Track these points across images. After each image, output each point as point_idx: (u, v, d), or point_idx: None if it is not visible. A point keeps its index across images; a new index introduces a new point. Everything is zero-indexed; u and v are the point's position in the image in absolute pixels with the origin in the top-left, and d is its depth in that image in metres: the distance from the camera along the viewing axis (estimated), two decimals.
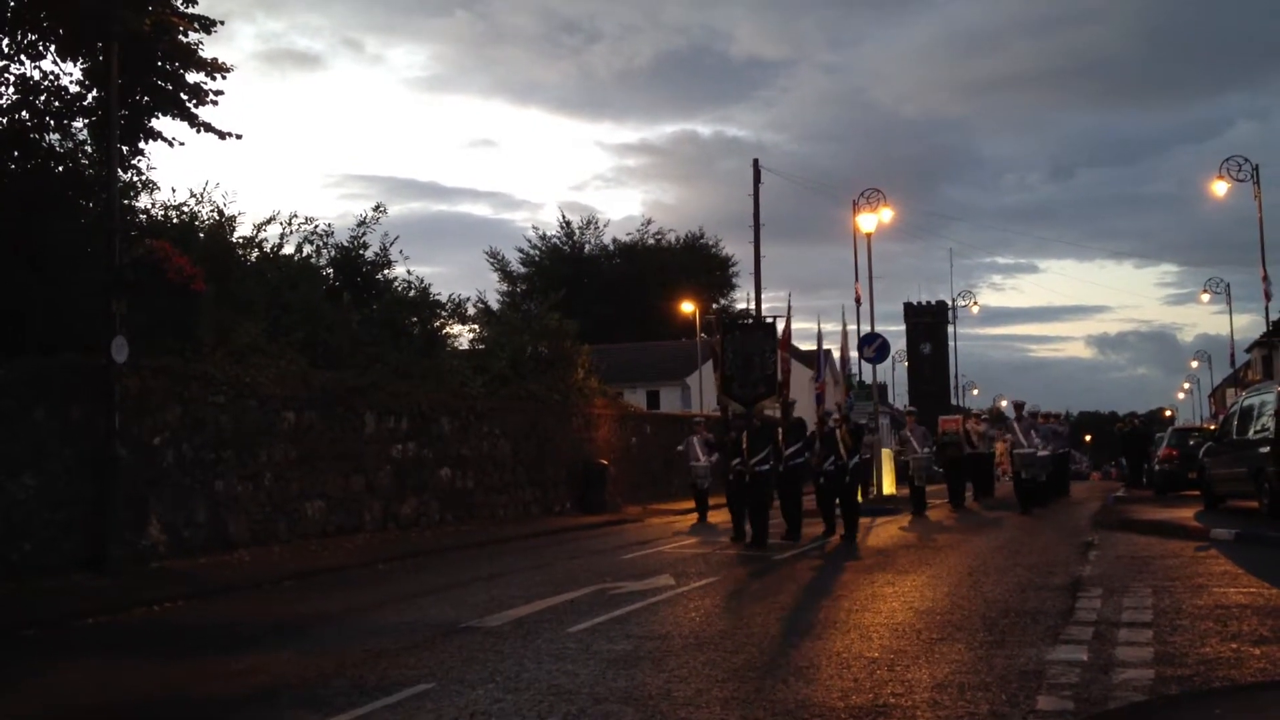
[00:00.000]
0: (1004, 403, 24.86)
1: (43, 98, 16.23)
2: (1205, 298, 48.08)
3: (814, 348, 33.64)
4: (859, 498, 19.68)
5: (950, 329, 74.34)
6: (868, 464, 25.95)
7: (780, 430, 18.12)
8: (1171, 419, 79.80)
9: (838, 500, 18.01)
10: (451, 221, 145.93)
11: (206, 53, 16.70)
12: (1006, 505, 24.32)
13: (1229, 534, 15.20)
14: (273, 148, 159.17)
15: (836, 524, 17.96)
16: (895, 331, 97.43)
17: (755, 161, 34.35)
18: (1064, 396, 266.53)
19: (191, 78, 16.71)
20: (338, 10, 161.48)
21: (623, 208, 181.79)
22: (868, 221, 31.05)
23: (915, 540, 17.19)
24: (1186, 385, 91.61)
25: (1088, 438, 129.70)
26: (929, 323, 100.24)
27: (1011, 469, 24.34)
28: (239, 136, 17.21)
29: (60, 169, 16.53)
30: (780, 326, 21.22)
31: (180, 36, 16.28)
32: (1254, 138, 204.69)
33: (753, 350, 19.50)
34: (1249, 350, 60.70)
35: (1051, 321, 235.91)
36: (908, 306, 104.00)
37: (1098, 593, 10.48)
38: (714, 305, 60.17)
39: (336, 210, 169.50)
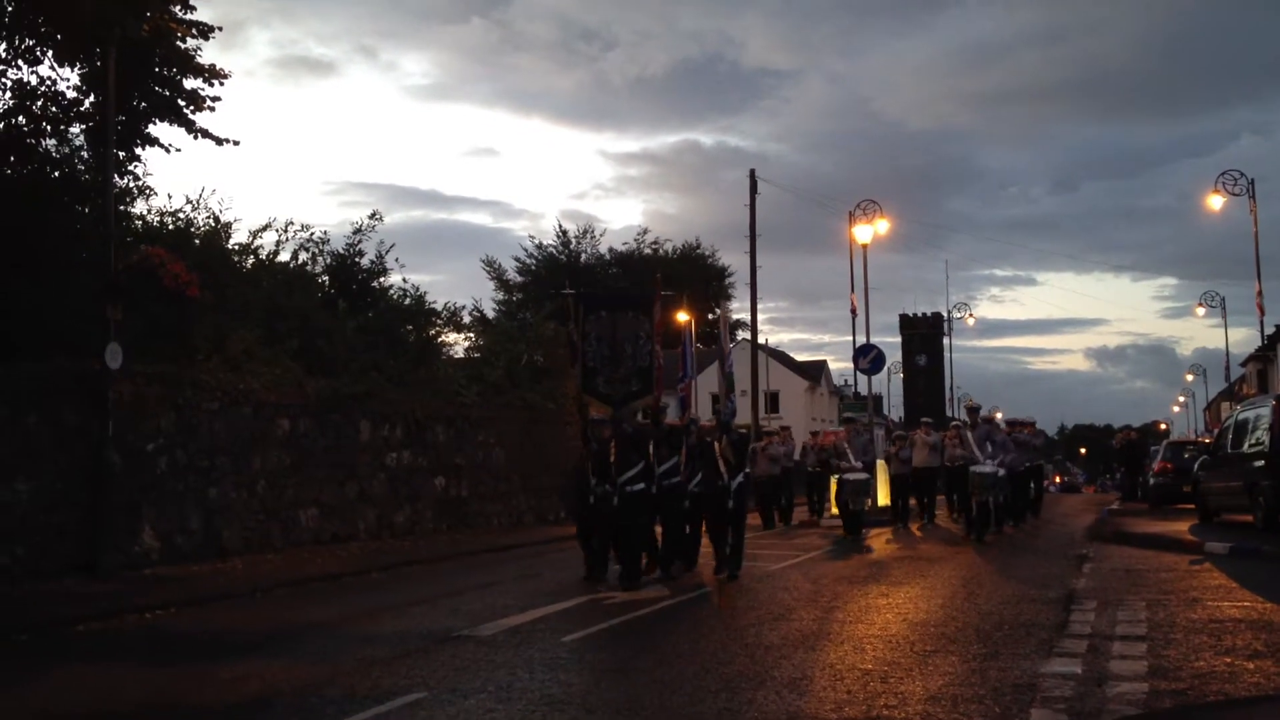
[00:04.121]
0: (999, 415, 23.16)
1: (39, 103, 16.23)
2: (1201, 311, 48.33)
3: (813, 358, 33.51)
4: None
5: (946, 341, 74.19)
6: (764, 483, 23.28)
7: (651, 441, 14.01)
8: (1166, 432, 79.96)
9: (705, 527, 14.58)
10: (451, 230, 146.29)
11: (206, 59, 16.80)
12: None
13: (1223, 547, 15.19)
14: (276, 153, 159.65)
15: (696, 556, 14.79)
16: (892, 343, 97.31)
17: (752, 172, 34.59)
18: (1062, 409, 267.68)
19: (189, 84, 16.76)
20: (353, 17, 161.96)
21: (623, 217, 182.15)
22: (864, 233, 31.15)
23: (909, 552, 17.17)
24: (1182, 399, 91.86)
25: (1083, 450, 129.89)
26: (925, 334, 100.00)
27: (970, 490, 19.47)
28: (236, 143, 17.31)
29: (56, 174, 16.52)
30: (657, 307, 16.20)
31: (178, 42, 16.31)
32: (1257, 152, 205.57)
33: (624, 336, 15.11)
34: (1244, 364, 60.80)
35: (1049, 334, 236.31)
36: (903, 318, 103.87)
37: (1092, 605, 10.47)
38: (709, 316, 60.18)
39: (336, 217, 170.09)
